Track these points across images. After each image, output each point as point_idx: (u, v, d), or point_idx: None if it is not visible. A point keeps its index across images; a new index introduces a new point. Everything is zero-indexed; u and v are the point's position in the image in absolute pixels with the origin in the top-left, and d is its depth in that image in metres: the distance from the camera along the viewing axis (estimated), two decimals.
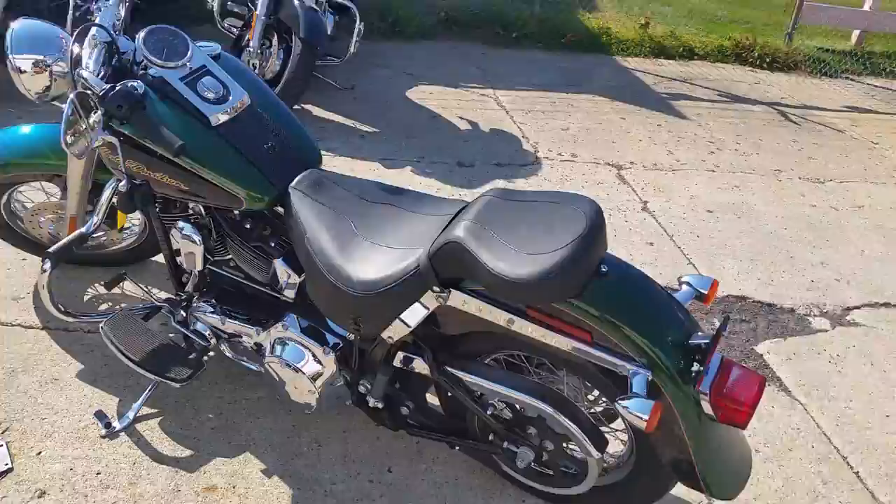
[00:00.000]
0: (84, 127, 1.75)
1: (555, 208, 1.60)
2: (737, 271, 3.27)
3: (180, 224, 1.99)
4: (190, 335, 2.16)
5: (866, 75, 6.38)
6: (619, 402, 1.50)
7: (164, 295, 2.51)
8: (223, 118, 1.84)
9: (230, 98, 1.87)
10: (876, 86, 6.19)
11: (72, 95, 1.75)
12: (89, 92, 1.78)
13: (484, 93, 5.09)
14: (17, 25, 2.00)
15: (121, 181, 1.65)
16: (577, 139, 4.48)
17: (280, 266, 1.93)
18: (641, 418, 1.46)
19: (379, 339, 1.83)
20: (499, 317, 1.62)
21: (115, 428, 2.14)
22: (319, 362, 1.94)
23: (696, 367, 1.51)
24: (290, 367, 1.95)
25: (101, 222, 2.15)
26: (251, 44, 4.12)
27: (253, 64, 4.18)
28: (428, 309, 1.70)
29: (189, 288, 2.17)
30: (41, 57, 1.96)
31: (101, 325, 2.17)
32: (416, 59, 5.48)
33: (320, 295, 1.84)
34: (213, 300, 2.14)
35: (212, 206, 1.97)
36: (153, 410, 2.23)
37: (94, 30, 1.87)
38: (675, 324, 1.57)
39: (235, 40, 4.30)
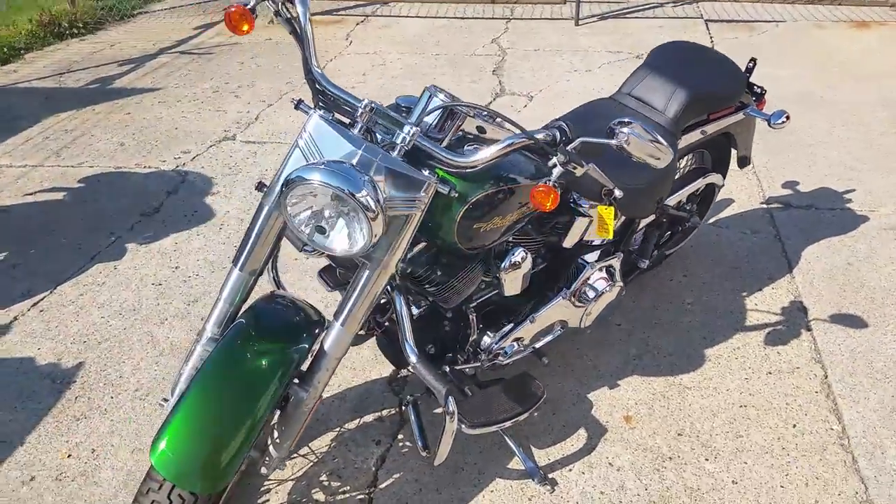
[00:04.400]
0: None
1: (702, 57, 2.59)
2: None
3: (515, 250, 1.92)
4: (511, 357, 2.16)
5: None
6: (772, 123, 2.50)
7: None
8: None
9: None
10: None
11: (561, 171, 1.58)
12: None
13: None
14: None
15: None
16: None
17: (582, 223, 2.11)
18: (786, 120, 2.49)
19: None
20: (694, 136, 2.49)
21: (544, 474, 2.13)
22: (613, 268, 2.32)
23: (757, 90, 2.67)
24: (606, 290, 2.23)
25: None
26: None
27: None
28: None
29: (475, 323, 2.08)
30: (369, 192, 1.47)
31: (462, 426, 1.92)
32: None
33: (641, 204, 2.28)
34: (505, 316, 2.16)
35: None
36: (525, 440, 2.27)
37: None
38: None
39: None
